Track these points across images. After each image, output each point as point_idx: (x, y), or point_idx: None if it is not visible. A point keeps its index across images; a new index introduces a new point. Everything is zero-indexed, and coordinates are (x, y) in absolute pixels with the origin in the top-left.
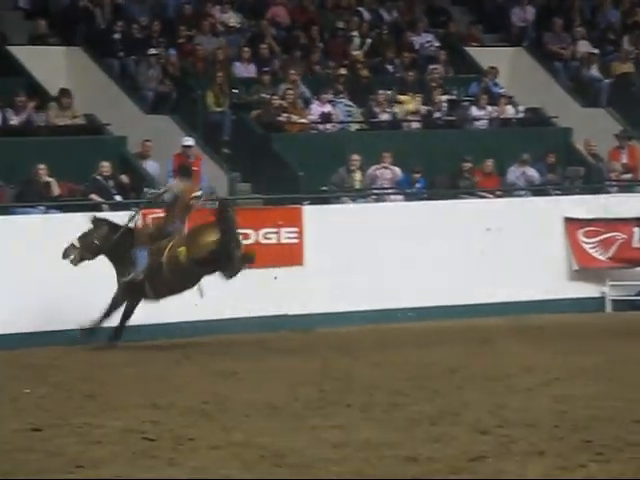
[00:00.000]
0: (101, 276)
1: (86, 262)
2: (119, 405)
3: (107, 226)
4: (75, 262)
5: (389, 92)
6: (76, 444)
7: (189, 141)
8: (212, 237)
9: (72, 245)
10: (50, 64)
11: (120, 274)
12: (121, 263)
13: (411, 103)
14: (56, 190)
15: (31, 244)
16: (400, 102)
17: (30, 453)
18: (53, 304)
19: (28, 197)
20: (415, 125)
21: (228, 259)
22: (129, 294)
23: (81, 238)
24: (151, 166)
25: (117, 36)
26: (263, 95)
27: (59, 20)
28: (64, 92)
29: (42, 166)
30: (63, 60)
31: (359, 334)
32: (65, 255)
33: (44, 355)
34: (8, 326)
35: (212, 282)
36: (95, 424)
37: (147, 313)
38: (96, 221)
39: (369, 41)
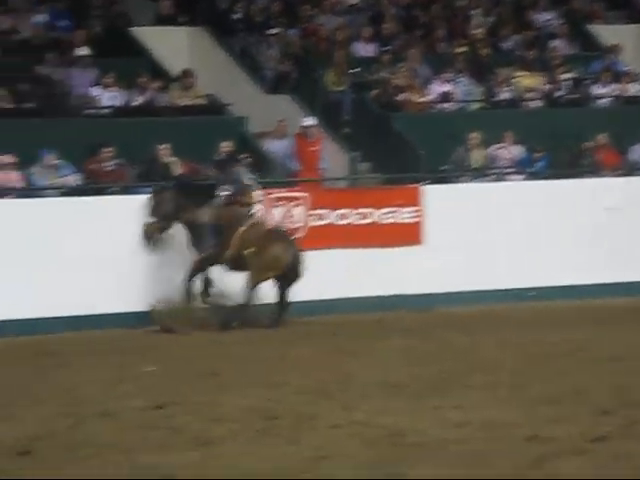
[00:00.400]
0: None
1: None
2: (239, 383)
3: (178, 195)
4: (158, 241)
5: (509, 69)
6: (198, 422)
7: (309, 121)
8: (282, 260)
9: (146, 225)
10: (173, 44)
11: (196, 245)
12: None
13: (529, 79)
14: (177, 170)
15: None
16: (519, 76)
17: (154, 430)
18: (174, 282)
19: (150, 177)
20: (536, 104)
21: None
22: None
23: (154, 212)
24: (278, 145)
25: (238, 16)
26: (382, 74)
27: (182, 0)
28: (186, 72)
29: (164, 146)
30: (185, 40)
31: (479, 313)
32: (146, 237)
33: (166, 334)
34: (131, 304)
35: (331, 261)
36: (216, 402)
37: (267, 292)
38: (158, 191)
39: (490, 19)
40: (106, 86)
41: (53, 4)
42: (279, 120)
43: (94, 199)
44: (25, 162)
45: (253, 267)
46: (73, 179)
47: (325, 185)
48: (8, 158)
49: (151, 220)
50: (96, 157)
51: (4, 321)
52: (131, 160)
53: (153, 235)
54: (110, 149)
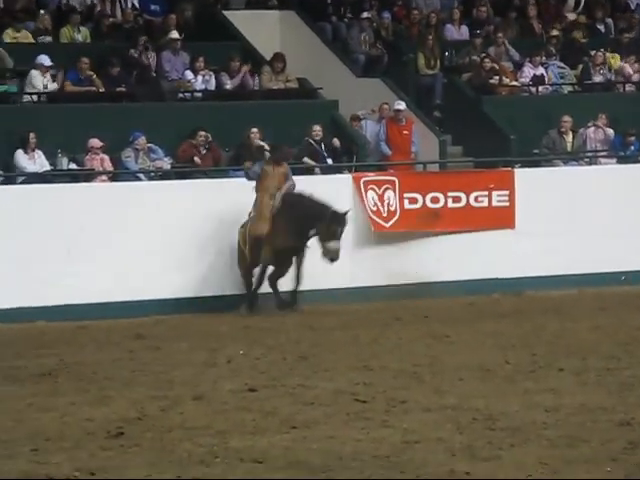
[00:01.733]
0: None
1: None
2: (331, 367)
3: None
4: None
5: (603, 53)
6: (290, 405)
7: (401, 105)
8: None
9: None
10: (264, 28)
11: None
12: None
13: (617, 61)
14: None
15: (244, 205)
16: (612, 60)
17: (246, 413)
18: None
19: (242, 160)
20: (629, 88)
21: None
22: None
23: None
24: (375, 128)
25: None
26: (474, 58)
27: None
28: (277, 56)
29: (255, 129)
30: (277, 24)
31: (571, 297)
32: None
33: (258, 318)
34: (219, 289)
35: (423, 244)
36: (308, 385)
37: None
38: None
39: (583, 2)
40: (198, 70)
41: None
42: (383, 103)
43: (185, 182)
44: (117, 146)
45: None
46: (165, 162)
47: (416, 169)
48: (98, 142)
49: None
50: (190, 141)
51: (95, 304)
52: (223, 144)
53: None
54: (204, 133)
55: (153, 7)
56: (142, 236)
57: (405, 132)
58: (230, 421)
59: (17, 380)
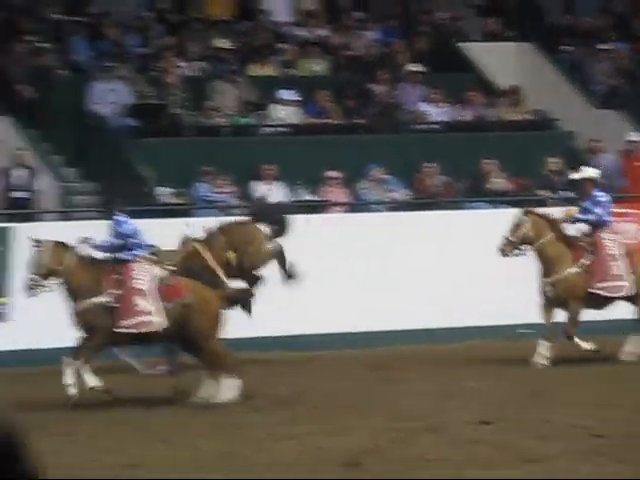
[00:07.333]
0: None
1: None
2: (567, 402)
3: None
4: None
5: None
6: (524, 439)
7: (635, 136)
8: None
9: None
10: (500, 60)
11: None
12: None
13: None
14: (504, 185)
15: (480, 238)
16: None
17: (480, 445)
18: (498, 298)
19: (477, 192)
20: None
21: None
22: None
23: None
24: (606, 160)
25: (567, 31)
26: None
27: (512, 16)
28: (514, 88)
29: (489, 161)
30: (513, 56)
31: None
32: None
33: (488, 347)
34: (453, 320)
35: None
36: (542, 419)
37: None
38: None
39: None
40: (434, 101)
41: (384, 21)
42: (590, 139)
43: (420, 214)
44: (354, 177)
45: None
46: (401, 194)
47: None
48: (335, 173)
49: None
50: (421, 173)
51: (333, 334)
52: (459, 175)
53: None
54: (433, 165)
55: (391, 40)
56: (377, 267)
57: (637, 163)
58: (464, 453)
59: (258, 409)
